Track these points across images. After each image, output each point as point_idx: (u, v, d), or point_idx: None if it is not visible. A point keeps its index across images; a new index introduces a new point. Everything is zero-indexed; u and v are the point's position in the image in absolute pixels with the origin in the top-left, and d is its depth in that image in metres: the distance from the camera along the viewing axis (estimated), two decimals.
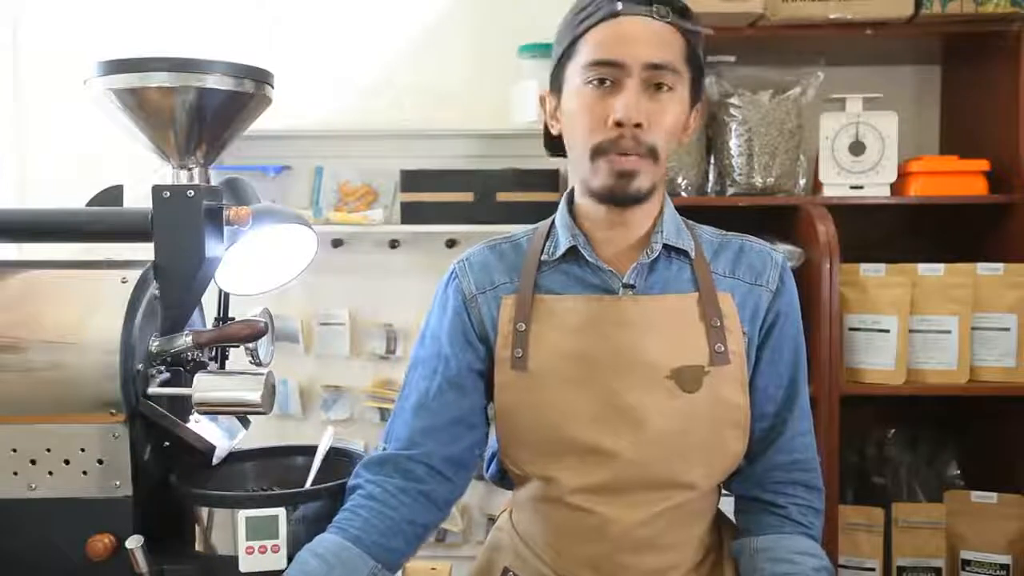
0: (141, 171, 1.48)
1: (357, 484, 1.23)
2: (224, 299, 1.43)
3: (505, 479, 1.33)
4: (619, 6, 1.16)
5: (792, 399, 1.27)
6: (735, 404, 1.22)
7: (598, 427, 1.19)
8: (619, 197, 1.20)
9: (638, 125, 1.15)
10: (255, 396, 1.20)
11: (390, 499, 1.21)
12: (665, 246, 1.24)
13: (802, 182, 2.45)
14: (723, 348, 1.20)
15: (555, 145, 1.28)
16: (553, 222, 1.30)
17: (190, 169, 1.30)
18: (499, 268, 1.28)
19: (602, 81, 1.17)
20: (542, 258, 1.26)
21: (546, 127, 1.29)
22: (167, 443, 1.27)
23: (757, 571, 1.23)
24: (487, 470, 1.37)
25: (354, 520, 1.19)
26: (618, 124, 1.15)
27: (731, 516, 1.34)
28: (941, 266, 2.26)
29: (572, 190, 1.29)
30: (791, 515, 1.26)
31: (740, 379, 1.22)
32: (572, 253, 1.25)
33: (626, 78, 1.16)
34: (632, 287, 1.23)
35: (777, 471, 1.27)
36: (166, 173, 1.31)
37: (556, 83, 1.24)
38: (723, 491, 1.32)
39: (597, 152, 1.18)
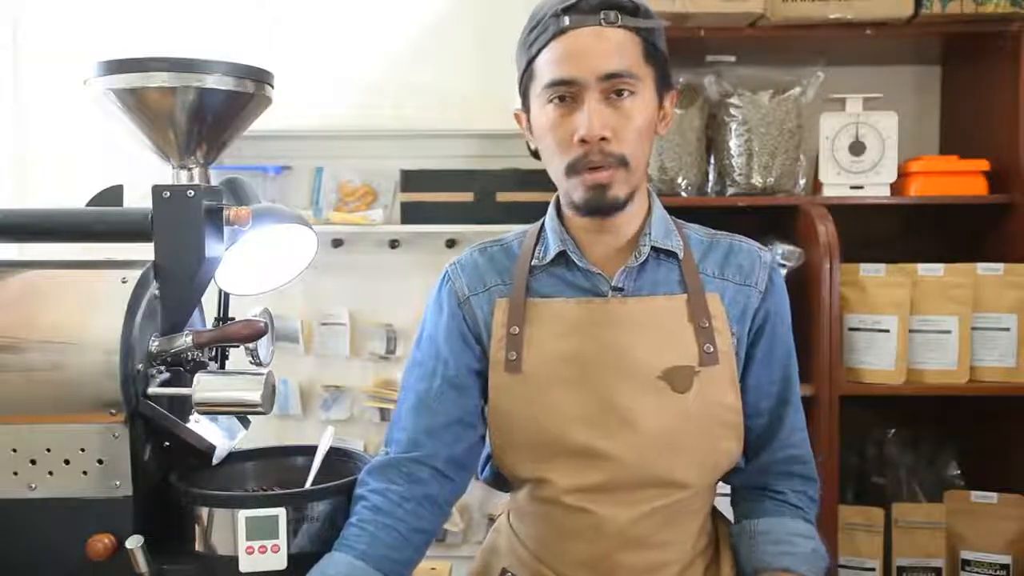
0: (141, 171, 1.47)
1: (362, 494, 1.22)
2: (224, 299, 1.43)
3: (499, 481, 1.34)
4: (566, 21, 1.16)
5: (786, 396, 1.29)
6: (726, 404, 1.22)
7: (592, 429, 1.20)
8: (598, 208, 1.21)
9: (603, 139, 1.15)
10: (255, 396, 1.20)
11: (395, 509, 1.20)
12: (653, 248, 1.24)
13: (802, 182, 2.45)
14: (712, 348, 1.21)
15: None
16: (543, 226, 1.30)
17: (190, 169, 1.30)
18: (490, 270, 1.29)
19: (562, 98, 1.17)
20: (532, 262, 1.27)
21: None
22: (167, 443, 1.27)
23: (757, 552, 1.25)
24: (481, 472, 1.37)
25: (362, 536, 1.18)
26: (583, 141, 1.16)
27: (726, 513, 1.35)
28: (941, 266, 2.26)
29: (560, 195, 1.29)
30: (789, 499, 1.29)
31: (730, 379, 1.23)
32: (562, 257, 1.25)
33: (584, 92, 1.16)
34: (621, 290, 1.23)
35: (775, 465, 1.29)
36: (166, 173, 1.32)
37: (524, 103, 1.25)
38: (718, 490, 1.32)
39: (570, 170, 1.19)
